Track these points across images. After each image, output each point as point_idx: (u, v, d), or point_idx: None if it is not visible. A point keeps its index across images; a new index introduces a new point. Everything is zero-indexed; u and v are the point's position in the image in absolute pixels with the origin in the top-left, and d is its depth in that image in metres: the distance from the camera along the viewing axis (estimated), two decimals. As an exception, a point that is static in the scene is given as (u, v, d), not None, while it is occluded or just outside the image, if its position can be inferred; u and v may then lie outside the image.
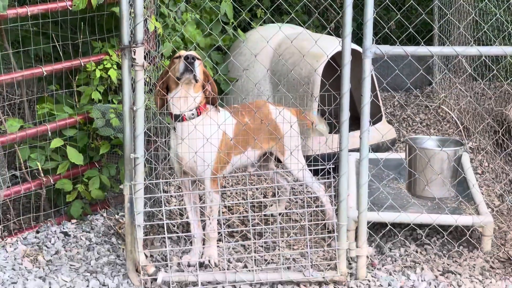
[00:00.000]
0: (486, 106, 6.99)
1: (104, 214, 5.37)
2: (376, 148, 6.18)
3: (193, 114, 4.44)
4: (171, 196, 5.47)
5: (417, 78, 7.82)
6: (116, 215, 5.35)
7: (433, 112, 7.62)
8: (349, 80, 4.23)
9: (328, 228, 4.95)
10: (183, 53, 4.43)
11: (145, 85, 4.32)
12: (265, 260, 4.65)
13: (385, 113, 6.72)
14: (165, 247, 4.57)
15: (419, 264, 4.63)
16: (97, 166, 5.34)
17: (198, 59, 4.42)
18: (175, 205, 5.34)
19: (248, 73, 6.60)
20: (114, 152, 5.35)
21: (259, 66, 6.56)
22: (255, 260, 4.59)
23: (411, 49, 4.23)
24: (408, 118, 7.59)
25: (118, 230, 5.09)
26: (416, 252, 4.80)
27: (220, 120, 4.51)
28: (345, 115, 4.26)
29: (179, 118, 4.44)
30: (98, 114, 5.17)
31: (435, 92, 8.13)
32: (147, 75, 4.56)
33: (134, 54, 4.19)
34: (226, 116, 4.60)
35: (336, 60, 5.79)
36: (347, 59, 4.21)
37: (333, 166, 4.47)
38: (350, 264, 4.56)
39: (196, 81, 4.39)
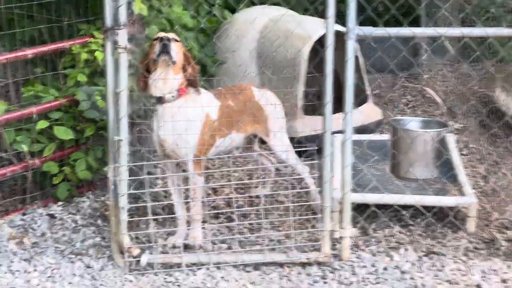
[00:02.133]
0: (471, 88, 7.01)
1: (91, 196, 5.39)
2: (361, 130, 6.19)
3: (173, 96, 4.45)
4: (156, 178, 5.48)
5: (403, 60, 7.82)
6: (102, 197, 5.36)
7: (419, 94, 7.64)
8: (332, 61, 4.24)
9: (312, 210, 4.97)
10: (160, 34, 4.44)
11: (129, 67, 4.32)
12: (250, 241, 4.67)
13: (371, 95, 6.73)
14: (150, 229, 4.58)
15: (403, 245, 4.66)
16: (83, 148, 5.35)
17: (176, 40, 4.43)
18: (160, 187, 5.35)
19: (234, 55, 6.61)
20: (100, 134, 5.35)
21: (245, 49, 6.55)
22: (239, 241, 4.61)
23: (393, 31, 4.24)
24: (395, 100, 7.61)
25: (104, 212, 5.11)
26: (400, 233, 4.83)
27: (203, 102, 4.52)
28: (328, 97, 4.27)
29: (159, 100, 4.45)
30: (83, 96, 5.18)
31: (422, 73, 8.14)
32: (133, 58, 4.56)
33: (117, 37, 4.19)
34: (209, 98, 4.61)
35: (322, 42, 5.80)
36: (330, 40, 4.22)
37: (318, 148, 4.50)
38: (334, 245, 4.57)
39: (173, 62, 4.39)
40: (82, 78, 5.29)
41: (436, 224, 4.84)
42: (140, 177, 4.46)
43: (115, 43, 4.21)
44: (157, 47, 4.35)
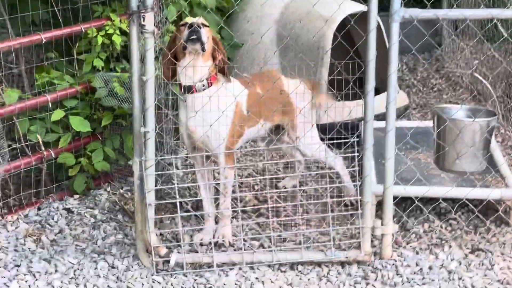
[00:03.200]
0: (500, 70, 6.67)
1: (108, 189, 5.08)
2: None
3: (203, 85, 4.14)
4: (185, 172, 5.11)
5: (424, 41, 7.52)
6: (120, 190, 5.05)
7: (444, 77, 7.32)
8: (375, 46, 3.94)
9: (347, 205, 4.68)
10: (189, 20, 4.12)
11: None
12: (284, 239, 4.38)
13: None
14: (176, 225, 4.27)
15: (446, 241, 4.37)
16: (100, 138, 5.04)
17: (205, 25, 4.11)
18: (186, 182, 5.02)
19: (253, 37, 6.27)
20: (117, 123, 5.04)
21: (265, 30, 6.22)
22: (271, 239, 4.31)
23: (442, 13, 3.95)
24: (418, 83, 7.29)
25: (124, 206, 4.81)
26: (441, 228, 4.55)
27: (234, 91, 4.21)
28: (370, 84, 3.97)
29: (189, 89, 4.13)
30: (100, 83, 4.87)
31: (445, 55, 7.79)
32: (159, 43, 4.25)
33: (143, 20, 3.87)
34: (239, 87, 4.30)
35: (346, 24, 5.49)
36: (373, 24, 3.91)
37: (351, 137, 4.23)
38: (372, 242, 4.28)
39: (203, 50, 4.08)
40: (98, 63, 4.96)
41: (478, 218, 4.54)
42: (168, 172, 4.15)
43: (141, 27, 3.89)
44: (186, 33, 4.03)
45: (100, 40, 4.92)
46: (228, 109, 4.15)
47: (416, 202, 4.34)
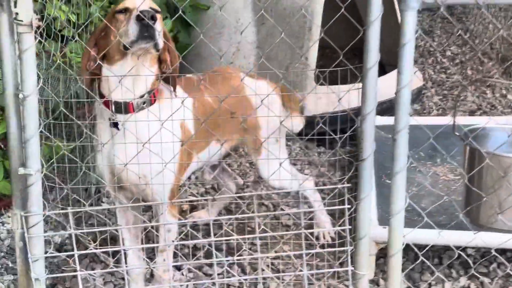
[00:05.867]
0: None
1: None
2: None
3: (144, 102, 2.76)
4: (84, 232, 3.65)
5: (443, -6, 6.06)
6: (30, 217, 3.70)
7: (468, 44, 5.88)
8: (378, 46, 2.54)
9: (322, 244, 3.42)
10: (133, 4, 2.68)
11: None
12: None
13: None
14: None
15: (478, 317, 3.05)
16: (1, 147, 3.71)
17: (158, 12, 2.70)
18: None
19: (222, -1, 4.85)
20: (24, 127, 3.68)
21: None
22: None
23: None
24: (435, 52, 5.83)
25: (29, 247, 3.46)
26: (468, 289, 3.23)
27: (178, 106, 2.82)
28: (371, 104, 2.58)
29: (123, 108, 2.76)
30: (-4, 74, 3.49)
31: (469, 13, 6.31)
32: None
33: (15, 6, 2.47)
34: (183, 99, 2.91)
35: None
36: (377, 10, 2.50)
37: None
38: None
39: (157, 50, 2.70)
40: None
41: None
42: (63, 232, 2.78)
43: (14, 16, 2.49)
44: (132, 27, 2.61)
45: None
46: (174, 135, 2.79)
47: (433, 268, 2.95)
